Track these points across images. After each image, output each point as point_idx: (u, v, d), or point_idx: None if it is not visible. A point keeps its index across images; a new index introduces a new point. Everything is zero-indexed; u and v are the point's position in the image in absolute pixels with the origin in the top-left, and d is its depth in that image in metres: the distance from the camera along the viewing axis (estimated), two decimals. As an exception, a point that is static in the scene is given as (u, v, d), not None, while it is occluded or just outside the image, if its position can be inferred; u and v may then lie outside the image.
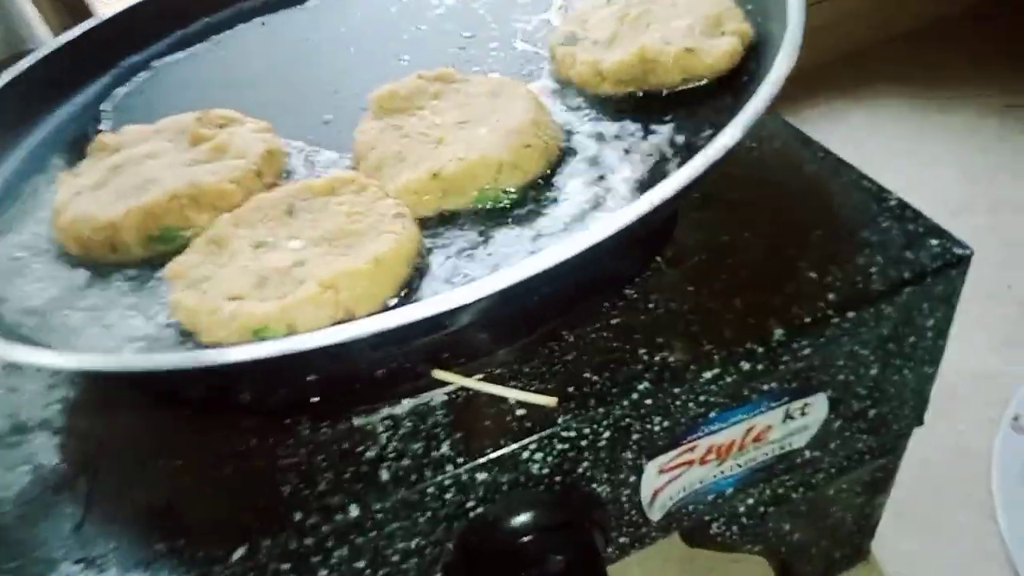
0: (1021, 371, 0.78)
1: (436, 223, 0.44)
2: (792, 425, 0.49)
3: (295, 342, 0.33)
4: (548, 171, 0.45)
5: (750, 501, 0.53)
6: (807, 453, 0.51)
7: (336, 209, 0.41)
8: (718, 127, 0.45)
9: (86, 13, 1.16)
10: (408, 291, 0.40)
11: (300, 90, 0.59)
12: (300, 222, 0.41)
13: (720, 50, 0.47)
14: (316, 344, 0.33)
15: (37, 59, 0.64)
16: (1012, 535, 0.63)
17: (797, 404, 0.47)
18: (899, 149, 1.10)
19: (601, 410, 0.41)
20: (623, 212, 0.36)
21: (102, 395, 0.51)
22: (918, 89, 1.20)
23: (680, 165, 0.39)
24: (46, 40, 1.10)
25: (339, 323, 0.36)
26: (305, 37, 0.67)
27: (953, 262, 0.44)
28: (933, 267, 0.44)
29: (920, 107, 1.17)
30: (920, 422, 0.54)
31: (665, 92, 0.48)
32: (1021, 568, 0.61)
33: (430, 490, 0.41)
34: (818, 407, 0.48)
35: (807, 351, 0.44)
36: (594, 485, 0.45)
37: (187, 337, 0.40)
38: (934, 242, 0.46)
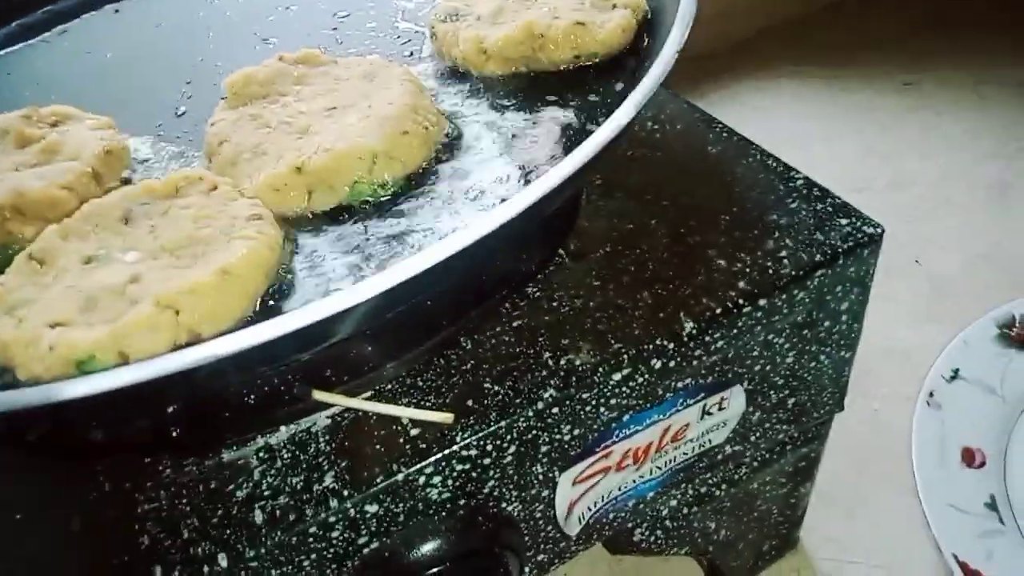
0: (934, 346, 0.79)
1: (303, 223, 0.38)
2: (710, 421, 0.46)
3: (117, 376, 0.27)
4: (430, 161, 0.40)
5: (672, 503, 0.50)
6: (728, 448, 0.49)
7: (180, 213, 0.35)
8: (612, 107, 0.41)
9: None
10: (272, 302, 0.34)
11: (151, 81, 0.53)
12: (138, 231, 0.35)
13: (613, 24, 0.43)
14: (140, 377, 0.27)
15: None
16: (933, 512, 0.63)
17: (714, 399, 0.45)
18: (800, 129, 1.11)
19: (504, 423, 0.37)
20: (511, 203, 0.32)
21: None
22: (818, 69, 1.21)
23: (572, 148, 0.35)
24: None
25: (181, 347, 0.31)
26: (160, 23, 0.60)
27: (864, 241, 0.42)
28: (845, 247, 0.42)
29: (820, 87, 1.18)
30: (840, 408, 0.52)
31: (555, 71, 0.44)
32: (943, 544, 0.61)
33: (312, 530, 0.35)
34: (735, 400, 0.46)
35: (720, 343, 0.41)
36: (503, 504, 0.41)
37: (3, 372, 0.33)
38: (844, 221, 0.43)
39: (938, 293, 0.87)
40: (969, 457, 0.67)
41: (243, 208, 0.35)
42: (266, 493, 0.36)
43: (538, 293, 0.43)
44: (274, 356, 0.32)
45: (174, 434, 0.38)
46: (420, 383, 0.39)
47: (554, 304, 0.42)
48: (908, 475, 0.69)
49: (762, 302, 0.41)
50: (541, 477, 0.41)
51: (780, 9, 1.28)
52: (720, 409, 0.46)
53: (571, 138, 0.41)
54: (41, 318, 0.32)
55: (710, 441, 0.47)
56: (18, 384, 0.31)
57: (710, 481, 0.51)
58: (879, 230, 0.43)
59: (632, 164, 0.50)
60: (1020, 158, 1.01)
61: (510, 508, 0.41)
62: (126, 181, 0.44)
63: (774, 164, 0.48)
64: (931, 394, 0.72)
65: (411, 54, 0.50)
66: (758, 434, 0.49)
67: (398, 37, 0.52)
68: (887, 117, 1.10)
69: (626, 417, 0.41)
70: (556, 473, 0.41)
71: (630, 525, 0.50)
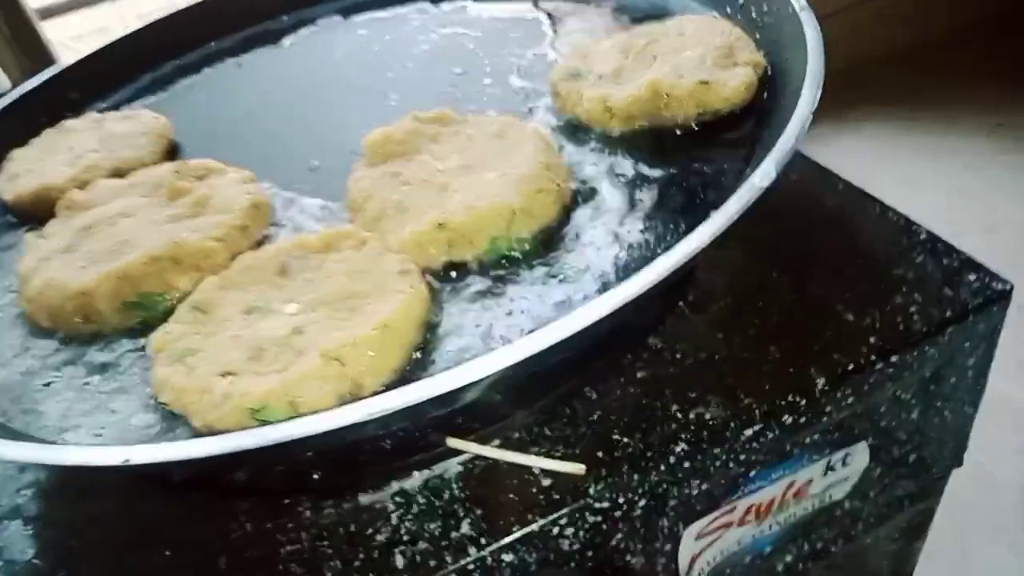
0: (1037, 397, 0.76)
1: (444, 276, 0.40)
2: (833, 477, 0.45)
3: (304, 425, 0.29)
4: (561, 217, 0.41)
5: (788, 559, 0.49)
6: (847, 504, 0.48)
7: (335, 267, 0.37)
8: (740, 164, 0.42)
9: (48, 58, 1.12)
10: (421, 353, 0.36)
11: (282, 135, 0.56)
12: (296, 283, 0.37)
13: (736, 81, 0.44)
14: (328, 427, 0.29)
15: (-2, 108, 0.60)
16: (1052, 574, 0.60)
17: (838, 455, 0.44)
18: (886, 173, 1.09)
19: (636, 476, 0.38)
20: (654, 265, 0.33)
21: (79, 479, 0.46)
22: (903, 111, 1.20)
23: (703, 205, 0.35)
24: (5, 87, 1.05)
25: (346, 398, 0.32)
26: (283, 78, 0.64)
27: (994, 297, 0.42)
28: (975, 304, 0.41)
29: (905, 129, 1.16)
30: (959, 463, 0.51)
31: (677, 127, 0.46)
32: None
33: (451, 576, 0.36)
34: (859, 456, 0.45)
35: (851, 399, 0.41)
36: (628, 558, 0.41)
37: (175, 418, 0.36)
38: (972, 277, 0.43)
39: (1042, 342, 0.84)
40: (1088, 517, 0.64)
41: (393, 263, 0.37)
42: (405, 538, 0.37)
43: (660, 345, 0.43)
44: (428, 410, 0.33)
45: (314, 477, 0.40)
46: (548, 432, 0.40)
47: (678, 356, 0.42)
48: (1016, 530, 0.67)
49: (894, 358, 0.40)
50: (666, 531, 0.41)
51: (868, 49, 1.28)
52: (844, 465, 0.45)
53: (699, 194, 0.42)
54: (211, 367, 0.34)
55: (831, 497, 0.47)
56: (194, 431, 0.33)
57: (826, 537, 0.50)
58: (1008, 286, 0.42)
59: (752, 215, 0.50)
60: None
61: (634, 561, 0.41)
62: (268, 235, 0.46)
63: (894, 217, 0.48)
64: (1043, 449, 0.69)
65: (530, 110, 0.52)
66: (878, 489, 0.49)
67: (515, 93, 0.54)
68: (976, 159, 1.08)
69: (753, 472, 0.41)
70: (680, 527, 0.41)
71: (743, 579, 0.50)
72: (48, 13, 1.16)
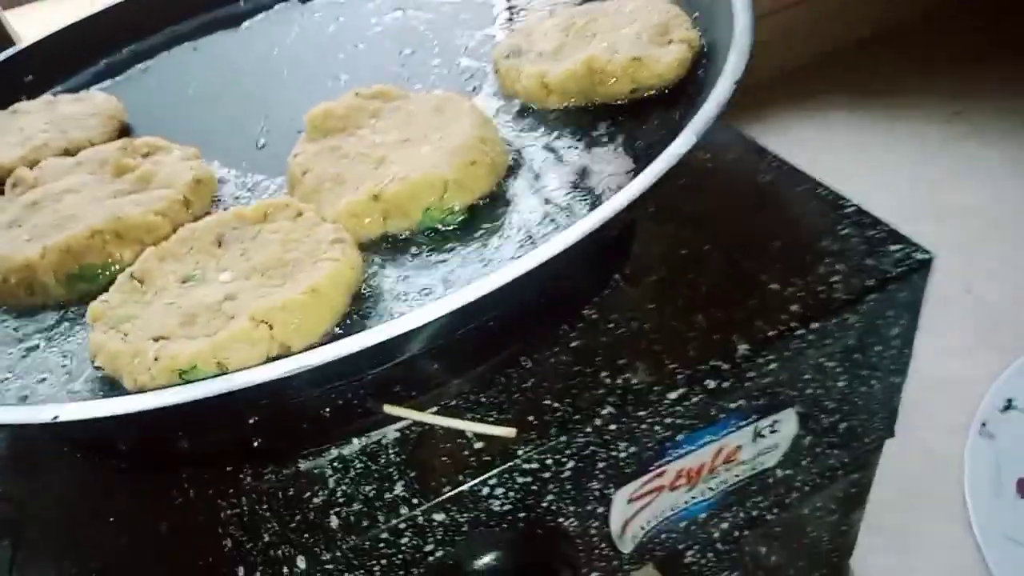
0: (985, 375, 0.78)
1: (380, 246, 0.41)
2: (762, 444, 0.47)
3: (225, 382, 0.30)
4: (496, 188, 0.42)
5: (724, 526, 0.51)
6: (779, 472, 0.49)
7: (269, 237, 0.38)
8: (670, 137, 0.43)
9: (8, 42, 1.11)
10: (351, 321, 0.37)
11: (232, 115, 0.56)
12: (231, 253, 0.38)
13: (669, 58, 0.45)
14: (249, 382, 0.30)
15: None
16: (989, 544, 0.62)
17: (766, 421, 0.46)
18: (848, 159, 1.11)
19: (563, 438, 0.39)
20: (573, 228, 0.34)
21: (23, 450, 0.47)
22: (865, 99, 1.22)
23: (632, 177, 0.37)
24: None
25: (274, 359, 0.33)
26: (237, 60, 0.65)
27: (915, 267, 0.43)
28: (896, 272, 0.43)
29: (867, 116, 1.18)
30: (891, 434, 0.53)
31: (614, 103, 0.47)
32: (998, 576, 0.60)
33: (384, 535, 0.37)
34: (787, 423, 0.47)
35: (773, 365, 0.42)
36: (560, 519, 0.42)
37: (112, 386, 0.36)
38: (895, 247, 0.44)
39: (989, 322, 0.86)
40: (1024, 488, 0.67)
41: (326, 232, 0.38)
42: (340, 500, 0.38)
43: (595, 316, 0.44)
44: (354, 369, 0.34)
45: (254, 444, 0.41)
46: (483, 399, 0.41)
47: (611, 326, 0.44)
48: (961, 506, 0.69)
49: (814, 325, 0.42)
50: (597, 494, 0.42)
51: (830, 38, 1.30)
52: (772, 431, 0.47)
53: (629, 168, 0.43)
54: (145, 332, 0.35)
55: (762, 464, 0.48)
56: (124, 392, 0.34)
57: (761, 505, 0.52)
58: (929, 256, 0.44)
59: (685, 192, 0.52)
60: (1073, 187, 1.01)
61: (567, 523, 0.43)
62: (213, 208, 0.47)
63: (824, 193, 0.49)
64: (983, 424, 0.71)
65: (474, 89, 0.53)
66: (809, 458, 0.50)
67: (461, 73, 0.55)
68: (934, 146, 1.11)
69: (680, 437, 0.42)
70: (612, 490, 0.43)
71: (682, 546, 0.51)
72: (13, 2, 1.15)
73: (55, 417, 0.31)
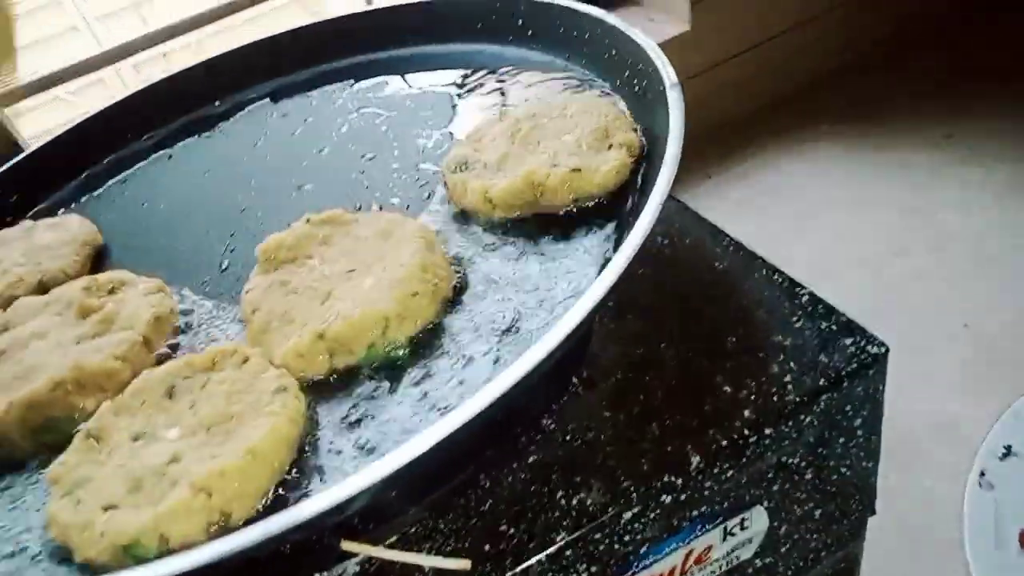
0: (985, 415, 0.77)
1: (328, 384, 0.42)
2: (734, 540, 0.47)
3: (160, 567, 0.30)
4: (442, 314, 0.43)
5: (706, 619, 0.50)
6: (758, 562, 0.49)
7: (216, 389, 0.39)
8: (612, 246, 0.44)
9: (15, 147, 1.15)
10: (300, 473, 0.38)
11: (199, 233, 0.58)
12: (180, 405, 0.39)
13: (607, 167, 0.45)
14: (183, 568, 0.30)
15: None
16: (990, 604, 0.61)
17: (734, 520, 0.45)
18: (836, 193, 1.10)
19: (519, 568, 0.39)
20: (509, 371, 0.34)
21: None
22: (852, 127, 1.21)
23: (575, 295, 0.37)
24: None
25: (216, 525, 0.34)
26: (208, 169, 0.66)
27: (869, 362, 0.43)
28: (849, 370, 0.43)
29: (855, 147, 1.17)
30: (872, 511, 0.52)
31: (559, 213, 0.47)
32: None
33: None
34: (757, 519, 0.46)
35: (730, 472, 0.42)
36: (527, 641, 0.42)
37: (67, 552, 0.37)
38: (848, 341, 0.44)
39: (986, 358, 0.85)
40: (1028, 541, 0.65)
41: (270, 381, 0.38)
42: (303, 642, 0.39)
43: (552, 426, 0.45)
44: (300, 533, 0.35)
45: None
46: (442, 526, 0.41)
47: (567, 438, 0.44)
48: (962, 558, 0.67)
49: (768, 431, 0.42)
50: (564, 611, 0.42)
51: (810, 70, 1.29)
52: (743, 528, 0.46)
53: (575, 283, 0.43)
54: (96, 500, 0.36)
55: (738, 558, 0.48)
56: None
57: (744, 594, 0.51)
58: (883, 349, 0.43)
59: (643, 282, 0.52)
60: (1068, 208, 0.99)
61: (536, 642, 0.43)
62: (174, 343, 0.48)
63: (779, 279, 0.49)
64: (982, 473, 0.70)
65: (429, 196, 0.54)
66: (788, 545, 0.50)
67: (418, 179, 0.56)
68: (924, 174, 1.09)
69: (644, 549, 0.42)
70: (579, 606, 0.43)
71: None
72: (8, 98, 1.19)
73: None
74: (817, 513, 0.49)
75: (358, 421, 0.39)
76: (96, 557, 0.34)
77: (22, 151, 0.73)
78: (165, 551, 0.33)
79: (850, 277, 0.96)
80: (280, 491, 0.36)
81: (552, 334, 0.36)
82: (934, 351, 0.88)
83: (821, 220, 0.98)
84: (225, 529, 0.34)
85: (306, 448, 0.38)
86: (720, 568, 0.48)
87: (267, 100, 0.75)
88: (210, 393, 0.39)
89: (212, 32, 1.34)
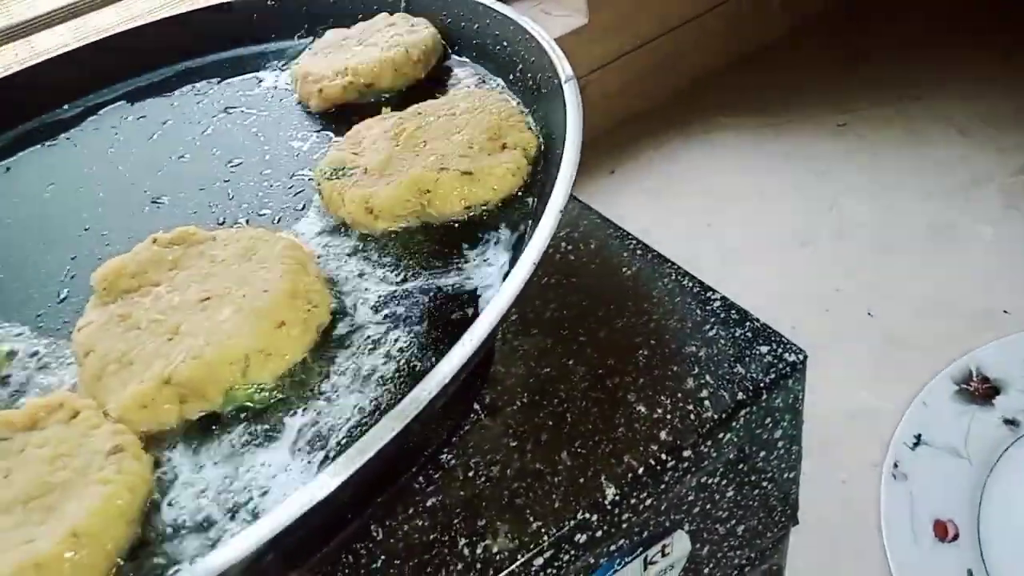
0: (896, 404, 0.77)
1: (182, 436, 0.35)
2: (655, 569, 0.43)
3: None
4: (317, 345, 0.37)
5: (631, 651, 0.47)
6: (681, 586, 0.46)
7: (35, 452, 0.32)
8: (511, 257, 0.39)
9: None
10: (143, 552, 0.31)
11: (36, 258, 0.50)
12: (-9, 478, 0.32)
13: (501, 170, 0.41)
14: None
15: None
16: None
17: (654, 549, 0.42)
18: (740, 183, 1.10)
19: (418, 634, 0.34)
20: (398, 410, 0.29)
21: None
22: (752, 118, 1.21)
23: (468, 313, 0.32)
24: None
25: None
26: (51, 182, 0.58)
27: (787, 372, 0.40)
28: (767, 381, 0.40)
29: (756, 136, 1.17)
30: (795, 522, 0.50)
31: (449, 222, 0.42)
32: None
33: None
34: (679, 544, 0.43)
35: (648, 501, 0.38)
36: None
37: None
38: (764, 349, 0.41)
39: (893, 346, 0.85)
40: (942, 531, 0.65)
41: (103, 439, 0.32)
42: None
43: (453, 461, 0.40)
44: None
45: None
46: (329, 589, 0.36)
47: (470, 475, 0.39)
48: (877, 549, 0.67)
49: (687, 452, 0.38)
50: (473, 671, 0.37)
51: (711, 57, 1.29)
52: (664, 555, 0.43)
53: (468, 303, 0.39)
54: None
55: (660, 585, 0.44)
56: None
57: (670, 619, 0.48)
58: (801, 356, 0.41)
59: (548, 293, 0.48)
60: (960, 195, 1.01)
61: None
62: (2, 383, 0.41)
63: (690, 284, 0.46)
64: (895, 464, 0.69)
65: (303, 207, 0.47)
66: (711, 564, 0.47)
67: (291, 187, 0.50)
68: (824, 161, 1.10)
69: (558, 593, 0.38)
70: (491, 665, 0.38)
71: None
72: None
73: None
74: (740, 529, 0.46)
75: (222, 478, 0.33)
76: None
77: None
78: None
79: (756, 269, 0.95)
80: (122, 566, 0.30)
81: (444, 362, 0.31)
82: (841, 340, 0.88)
83: (725, 211, 0.97)
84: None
85: (151, 520, 0.32)
86: (643, 599, 0.44)
87: (123, 102, 0.66)
88: (28, 458, 0.32)
89: (72, 27, 1.21)
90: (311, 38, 0.65)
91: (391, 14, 0.61)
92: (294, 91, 0.59)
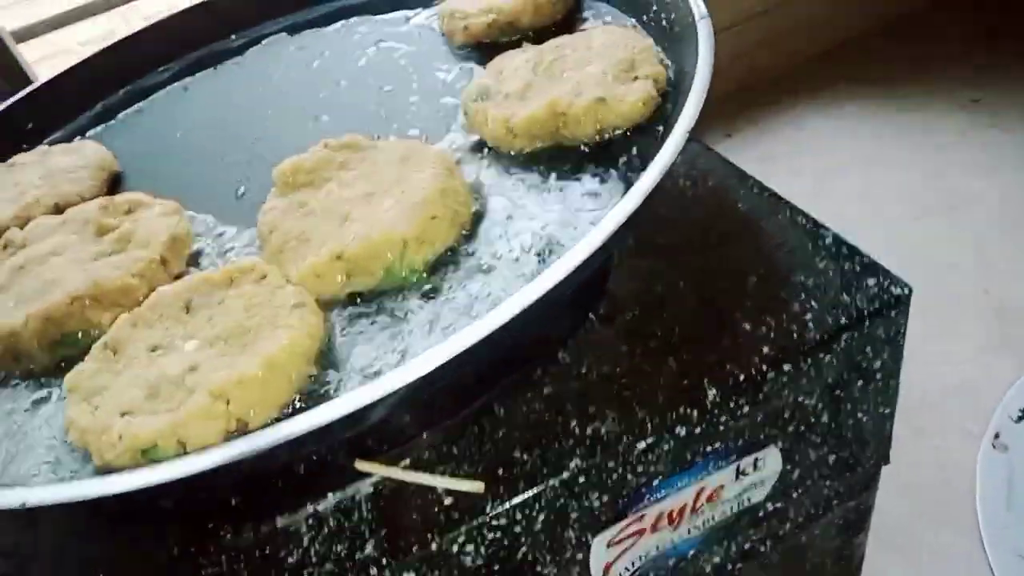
0: (1000, 380, 0.76)
1: (346, 304, 0.41)
2: (746, 480, 0.46)
3: (174, 468, 0.31)
4: (460, 240, 0.42)
5: (716, 560, 0.50)
6: (769, 505, 0.49)
7: (233, 303, 0.39)
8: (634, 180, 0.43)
9: (26, 80, 1.14)
10: (312, 389, 0.37)
11: (215, 161, 0.57)
12: (198, 319, 0.39)
13: (633, 98, 0.44)
14: (196, 469, 0.31)
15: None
16: (999, 562, 0.61)
17: (747, 460, 0.45)
18: (861, 152, 1.08)
19: (531, 492, 0.39)
20: (528, 289, 0.34)
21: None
22: (879, 89, 1.18)
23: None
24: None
25: (233, 435, 0.34)
26: (225, 100, 0.65)
27: (892, 302, 0.42)
28: (871, 309, 0.42)
29: (881, 108, 1.15)
30: (886, 461, 0.52)
31: (581, 144, 0.46)
32: (1009, 595, 0.59)
33: (354, 596, 0.38)
34: (771, 460, 0.46)
35: (746, 408, 0.42)
36: (539, 568, 0.42)
37: (86, 456, 0.37)
38: (871, 282, 0.43)
39: (1006, 323, 0.84)
40: (1039, 503, 0.65)
41: (288, 296, 0.38)
42: (314, 560, 0.39)
43: (568, 359, 0.44)
44: (313, 442, 0.35)
45: (233, 503, 0.41)
46: (455, 451, 0.41)
47: (583, 371, 0.43)
48: (972, 517, 0.67)
49: (787, 367, 0.41)
50: (574, 541, 0.42)
51: (845, 27, 1.26)
52: (756, 469, 0.46)
53: (593, 212, 0.43)
54: (113, 406, 0.36)
55: (749, 499, 0.48)
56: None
57: (754, 537, 0.51)
58: (907, 290, 0.43)
59: (664, 223, 0.51)
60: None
61: (546, 571, 0.43)
62: (192, 262, 0.48)
63: (803, 221, 0.48)
64: (997, 435, 0.69)
65: (448, 128, 0.53)
66: (800, 490, 0.49)
67: (438, 111, 0.55)
68: (947, 137, 1.07)
69: (656, 482, 0.42)
70: (589, 537, 0.43)
71: (672, 581, 0.51)
72: (26, 35, 1.18)
73: (22, 504, 0.32)
74: (831, 459, 0.49)
75: (379, 339, 0.39)
76: (114, 460, 0.34)
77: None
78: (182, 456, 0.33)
79: (870, 237, 0.94)
80: (297, 403, 0.36)
81: (574, 252, 0.35)
82: (952, 314, 0.87)
83: (843, 179, 0.96)
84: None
85: (323, 364, 0.38)
86: (731, 509, 0.47)
87: (284, 34, 0.73)
88: (228, 307, 0.39)
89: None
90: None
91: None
92: (440, 28, 0.64)
